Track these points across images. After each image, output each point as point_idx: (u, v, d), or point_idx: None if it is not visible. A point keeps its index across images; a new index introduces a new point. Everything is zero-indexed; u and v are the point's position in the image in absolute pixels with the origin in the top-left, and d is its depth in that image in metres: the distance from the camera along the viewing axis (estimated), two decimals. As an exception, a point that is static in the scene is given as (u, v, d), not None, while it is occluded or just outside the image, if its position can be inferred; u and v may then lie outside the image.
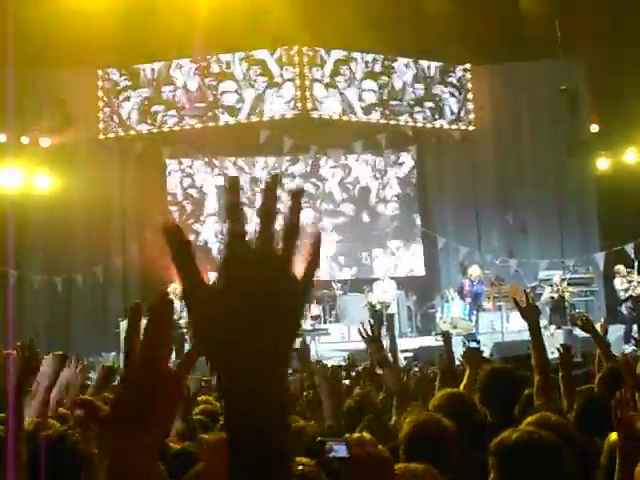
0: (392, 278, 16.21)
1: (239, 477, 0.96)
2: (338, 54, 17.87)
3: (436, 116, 18.65)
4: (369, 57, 18.16)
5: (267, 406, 0.95)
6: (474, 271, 15.88)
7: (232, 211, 0.95)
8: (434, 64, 18.61)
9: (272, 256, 0.94)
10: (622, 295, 15.39)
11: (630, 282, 15.24)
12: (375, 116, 18.20)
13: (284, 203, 0.95)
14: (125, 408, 1.13)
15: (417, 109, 18.51)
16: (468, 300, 15.52)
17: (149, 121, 18.02)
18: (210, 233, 19.10)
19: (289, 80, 17.65)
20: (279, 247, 0.95)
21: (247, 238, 0.95)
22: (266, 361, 0.95)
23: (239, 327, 0.94)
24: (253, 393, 0.94)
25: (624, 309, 15.40)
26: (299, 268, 0.96)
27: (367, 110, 18.11)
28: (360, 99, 18.06)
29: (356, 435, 2.15)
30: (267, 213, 0.95)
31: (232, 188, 0.97)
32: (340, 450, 2.41)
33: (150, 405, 1.13)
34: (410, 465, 2.58)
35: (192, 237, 18.77)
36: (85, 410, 1.25)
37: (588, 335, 5.99)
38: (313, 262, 0.98)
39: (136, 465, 1.13)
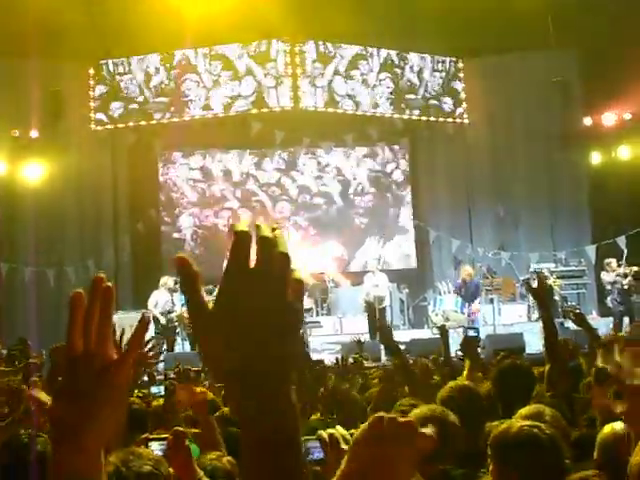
0: (382, 271, 16.21)
1: None
2: (329, 47, 17.81)
3: (428, 108, 18.63)
4: (363, 50, 18.10)
5: (279, 420, 0.97)
6: (465, 272, 15.96)
7: (239, 243, 0.99)
8: (427, 56, 18.58)
9: (268, 277, 0.98)
10: (609, 288, 15.44)
11: (617, 275, 15.26)
12: (368, 108, 18.15)
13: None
14: (63, 408, 1.12)
15: (411, 101, 18.47)
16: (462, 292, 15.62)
17: (140, 113, 17.93)
18: (187, 224, 19.14)
19: (279, 73, 17.58)
20: (274, 271, 0.98)
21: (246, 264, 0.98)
22: (273, 377, 0.97)
23: (240, 345, 0.96)
24: (264, 410, 0.97)
25: (610, 302, 15.46)
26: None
27: (359, 103, 18.08)
28: (353, 92, 18.02)
29: (329, 431, 2.03)
30: (264, 240, 1.00)
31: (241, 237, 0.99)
32: (316, 451, 2.32)
33: (87, 406, 1.11)
34: None
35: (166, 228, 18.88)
36: (33, 404, 1.23)
37: (580, 328, 6.00)
38: (299, 283, 1.00)
39: (76, 467, 1.10)
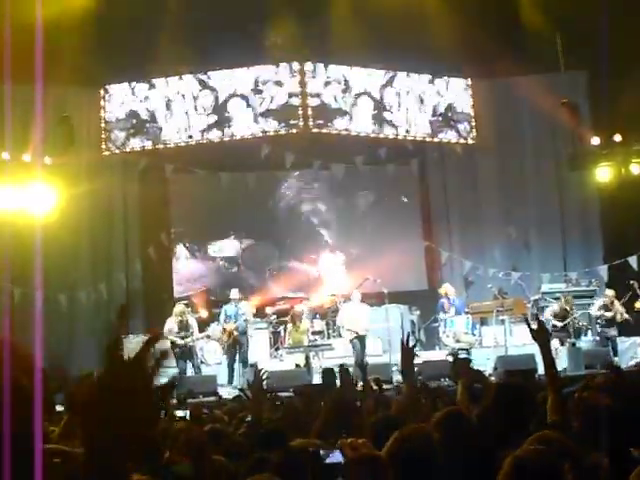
0: (363, 301, 16.01)
1: None
2: (338, 69, 17.83)
3: (438, 129, 18.63)
4: (372, 71, 18.12)
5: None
6: (447, 289, 16.02)
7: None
8: (437, 78, 18.60)
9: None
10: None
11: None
12: (376, 129, 18.12)
13: None
14: (103, 396, 1.28)
15: (420, 122, 18.47)
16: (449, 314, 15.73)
17: (150, 137, 17.97)
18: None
19: (291, 95, 17.61)
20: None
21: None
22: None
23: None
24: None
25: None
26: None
27: (368, 124, 18.08)
28: (362, 113, 18.03)
29: (349, 440, 2.46)
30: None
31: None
32: (335, 456, 2.74)
33: (129, 402, 1.25)
34: None
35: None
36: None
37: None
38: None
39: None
